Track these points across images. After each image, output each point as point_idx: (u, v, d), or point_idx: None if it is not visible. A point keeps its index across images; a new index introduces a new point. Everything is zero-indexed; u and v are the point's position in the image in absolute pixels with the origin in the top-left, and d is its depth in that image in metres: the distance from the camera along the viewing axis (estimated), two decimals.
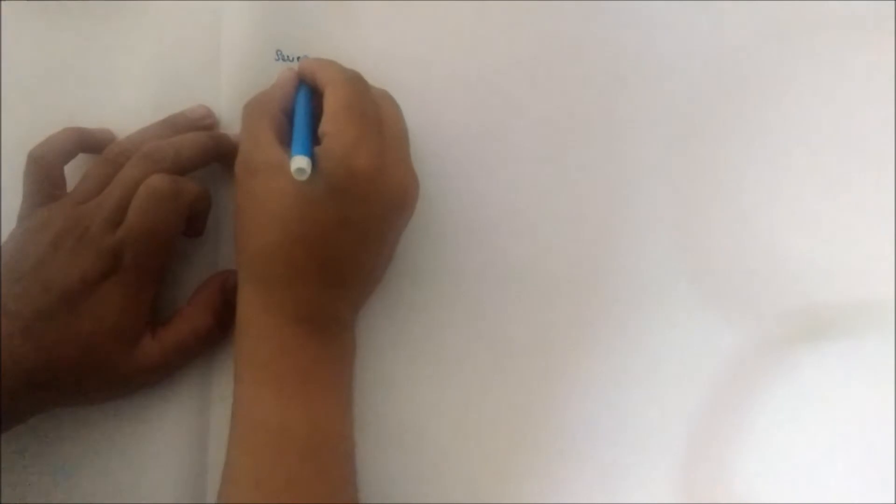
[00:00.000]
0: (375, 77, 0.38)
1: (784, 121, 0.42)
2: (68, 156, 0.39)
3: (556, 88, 0.42)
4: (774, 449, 0.39)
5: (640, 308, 0.40)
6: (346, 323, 0.38)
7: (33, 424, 0.37)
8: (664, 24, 0.42)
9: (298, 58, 0.41)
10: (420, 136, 0.39)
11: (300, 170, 0.32)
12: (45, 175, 0.38)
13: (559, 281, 0.40)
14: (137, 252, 0.35)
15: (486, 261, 0.41)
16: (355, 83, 0.36)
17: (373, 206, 0.35)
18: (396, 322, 0.40)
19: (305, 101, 0.37)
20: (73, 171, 0.39)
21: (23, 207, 0.38)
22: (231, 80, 0.41)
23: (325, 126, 0.35)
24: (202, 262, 0.40)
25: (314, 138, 0.35)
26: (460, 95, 0.41)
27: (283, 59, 0.41)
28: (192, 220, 0.38)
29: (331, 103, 0.35)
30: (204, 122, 0.40)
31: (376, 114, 0.36)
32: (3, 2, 0.42)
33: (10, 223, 0.38)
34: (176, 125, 0.40)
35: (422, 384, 0.40)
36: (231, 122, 0.41)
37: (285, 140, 0.36)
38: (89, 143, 0.39)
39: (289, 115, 0.37)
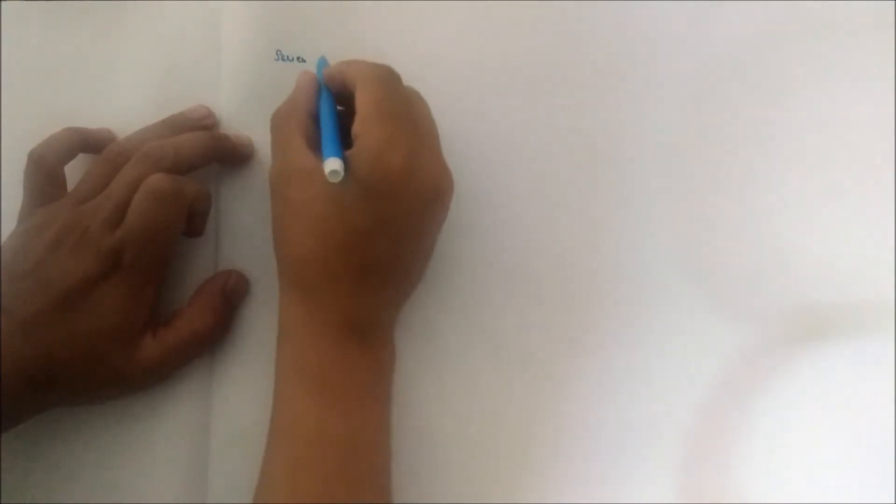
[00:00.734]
0: None
1: (784, 121, 0.42)
2: (68, 156, 0.39)
3: (556, 88, 0.42)
4: (775, 449, 0.39)
5: (641, 308, 0.40)
6: (386, 326, 0.38)
7: (33, 424, 0.37)
8: (664, 24, 0.42)
9: (298, 58, 0.41)
10: None
11: (334, 172, 0.32)
12: (45, 175, 0.38)
13: (559, 280, 0.40)
14: (137, 252, 0.35)
15: (488, 261, 0.41)
16: (386, 80, 0.35)
17: (407, 205, 0.34)
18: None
19: (329, 103, 0.37)
20: (73, 171, 0.39)
21: (23, 207, 0.38)
22: (231, 80, 0.41)
23: (357, 127, 0.34)
24: (202, 262, 0.40)
25: (345, 139, 0.35)
26: (459, 96, 0.41)
27: (283, 60, 0.41)
28: (193, 220, 0.38)
29: (362, 103, 0.35)
30: (204, 122, 0.40)
31: (408, 111, 0.35)
32: (3, 2, 0.42)
33: (10, 223, 0.38)
34: (176, 125, 0.40)
35: (423, 383, 0.40)
36: (231, 122, 0.41)
37: (315, 145, 0.35)
38: (89, 143, 0.39)
39: (316, 120, 0.37)
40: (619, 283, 0.40)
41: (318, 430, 0.35)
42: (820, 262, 0.40)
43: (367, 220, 0.34)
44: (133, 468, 0.39)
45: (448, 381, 0.40)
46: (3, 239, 0.37)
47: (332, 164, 0.32)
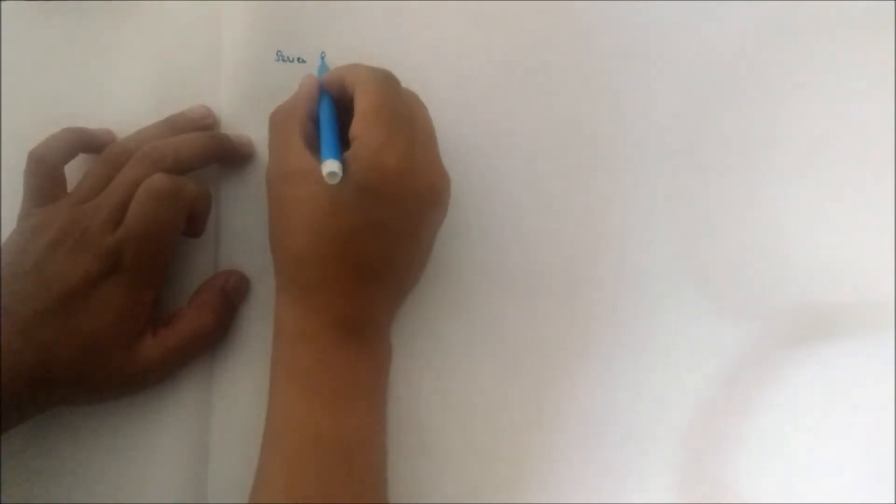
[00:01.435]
0: None
1: (784, 121, 0.42)
2: (68, 156, 0.39)
3: (555, 89, 0.42)
4: (775, 449, 0.39)
5: (641, 308, 0.40)
6: (382, 326, 0.38)
7: (33, 424, 0.37)
8: (665, 24, 0.42)
9: (299, 58, 0.41)
10: None
11: (332, 174, 0.32)
12: (45, 175, 0.38)
13: (557, 280, 0.40)
14: (137, 252, 0.35)
15: (486, 262, 0.41)
16: (384, 84, 0.36)
17: (404, 207, 0.35)
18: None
19: (329, 106, 0.37)
20: (73, 171, 0.39)
21: (23, 207, 0.38)
22: (231, 80, 0.41)
23: (355, 129, 0.34)
24: (202, 262, 0.40)
25: (343, 141, 0.35)
26: (458, 96, 0.41)
27: (283, 60, 0.41)
28: (193, 220, 0.38)
29: (360, 105, 0.35)
30: (204, 122, 0.40)
31: (406, 114, 0.36)
32: (3, 2, 0.42)
33: (10, 223, 0.38)
34: (176, 125, 0.40)
35: (420, 382, 0.40)
36: (231, 122, 0.41)
37: (314, 146, 0.36)
38: (89, 143, 0.39)
39: (315, 122, 0.37)
40: (619, 283, 0.40)
41: (313, 429, 0.35)
42: (820, 262, 0.40)
43: (362, 220, 0.34)
44: (133, 468, 0.39)
45: (445, 380, 0.40)
46: (3, 239, 0.37)
47: (331, 166, 0.32)
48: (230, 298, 0.39)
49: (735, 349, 0.40)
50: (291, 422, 0.35)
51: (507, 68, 0.42)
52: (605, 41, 0.42)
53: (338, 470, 0.34)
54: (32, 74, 0.42)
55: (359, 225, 0.34)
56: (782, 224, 0.41)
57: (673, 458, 0.39)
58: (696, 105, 0.42)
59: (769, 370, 0.40)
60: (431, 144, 0.37)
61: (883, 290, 0.40)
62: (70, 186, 0.38)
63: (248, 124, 0.41)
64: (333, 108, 0.37)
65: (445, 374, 0.40)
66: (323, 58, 0.41)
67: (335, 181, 0.32)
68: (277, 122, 0.37)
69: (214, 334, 0.39)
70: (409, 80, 0.37)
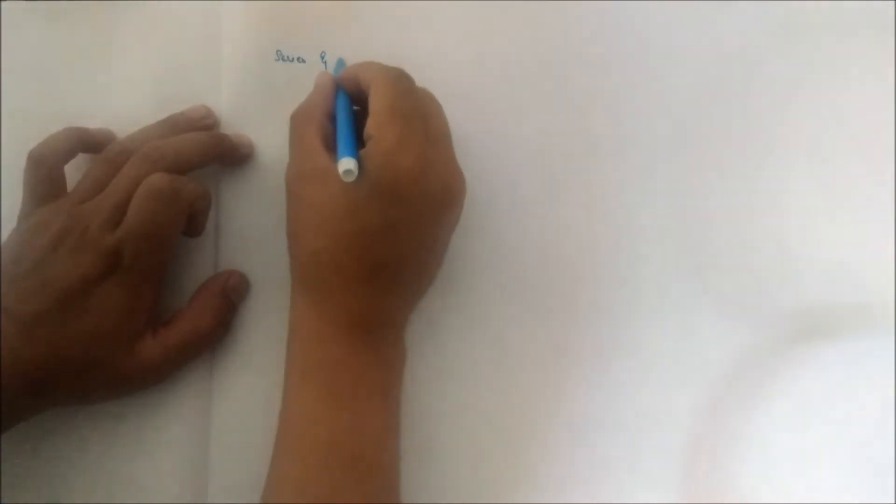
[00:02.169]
0: None
1: (784, 121, 0.42)
2: (68, 156, 0.39)
3: (556, 89, 0.42)
4: (775, 449, 0.39)
5: (643, 309, 0.40)
6: (397, 327, 0.38)
7: (33, 424, 0.37)
8: (664, 24, 0.42)
9: (299, 58, 0.41)
10: None
11: (348, 171, 0.32)
12: (45, 175, 0.38)
13: (563, 281, 0.40)
14: (137, 251, 0.35)
15: (492, 263, 0.41)
16: (399, 82, 0.36)
17: (419, 206, 0.34)
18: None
19: (345, 104, 0.37)
20: (73, 171, 0.39)
21: (23, 207, 0.38)
22: (231, 80, 0.41)
23: (370, 128, 0.34)
24: (202, 262, 0.40)
25: (360, 139, 0.35)
26: (459, 96, 0.41)
27: (283, 60, 0.41)
28: (192, 220, 0.38)
29: (375, 104, 0.35)
30: (204, 122, 0.40)
31: (421, 113, 0.35)
32: (3, 2, 0.42)
33: (10, 223, 0.38)
34: (176, 125, 0.40)
35: (427, 384, 0.40)
36: (231, 121, 0.41)
37: (331, 145, 0.36)
38: (89, 143, 0.39)
39: (333, 121, 0.37)
40: (620, 283, 0.40)
41: (327, 430, 0.35)
42: (820, 262, 0.40)
43: (378, 220, 0.34)
44: (133, 468, 0.39)
45: (447, 379, 0.40)
46: (3, 239, 0.37)
47: (347, 164, 0.32)
48: (230, 298, 0.39)
49: (735, 349, 0.40)
50: (305, 422, 0.35)
51: (507, 68, 0.42)
52: (607, 41, 0.42)
53: (351, 471, 0.34)
54: (32, 74, 0.42)
55: (375, 225, 0.34)
56: (783, 224, 0.41)
57: (673, 459, 0.39)
58: (696, 105, 0.42)
59: (769, 370, 0.40)
60: (446, 144, 0.37)
61: (883, 290, 0.40)
62: (70, 186, 0.38)
63: (248, 124, 0.41)
64: (349, 106, 0.37)
65: (446, 374, 0.40)
66: (339, 64, 0.41)
67: (351, 179, 0.32)
68: (296, 123, 0.37)
69: (214, 334, 0.39)
70: None
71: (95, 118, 0.41)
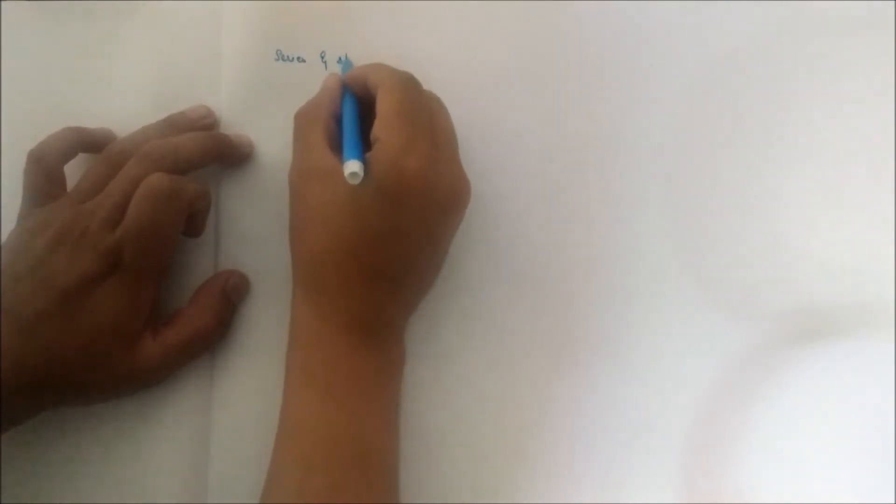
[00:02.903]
0: None
1: (784, 121, 0.42)
2: (68, 155, 0.39)
3: (556, 89, 0.42)
4: (774, 449, 0.39)
5: (643, 309, 0.40)
6: (397, 329, 0.38)
7: (33, 424, 0.37)
8: (665, 23, 0.42)
9: (299, 58, 0.41)
10: None
11: (354, 174, 0.32)
12: (44, 175, 0.38)
13: (562, 282, 0.40)
14: (137, 251, 0.35)
15: (491, 264, 0.40)
16: (407, 86, 0.36)
17: (424, 210, 0.35)
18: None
19: (352, 106, 0.37)
20: (73, 171, 0.39)
21: (22, 207, 0.38)
22: (231, 80, 0.41)
23: (377, 131, 0.34)
24: (202, 262, 0.40)
25: (365, 142, 0.35)
26: (460, 97, 0.41)
27: (283, 60, 0.41)
28: (192, 220, 0.38)
29: (382, 107, 0.35)
30: (204, 122, 0.40)
31: (428, 117, 0.36)
32: (3, 2, 0.42)
33: (10, 223, 0.38)
34: (176, 125, 0.40)
35: (426, 384, 0.40)
36: (231, 121, 0.41)
37: (336, 146, 0.36)
38: (89, 142, 0.39)
39: (338, 121, 0.37)
40: (621, 284, 0.40)
41: (327, 430, 0.35)
42: (820, 262, 0.40)
43: (382, 223, 0.34)
44: (133, 468, 0.39)
45: (447, 380, 0.40)
46: (3, 239, 0.37)
47: (352, 166, 0.32)
48: (230, 298, 0.39)
49: (735, 349, 0.40)
50: (305, 422, 0.35)
51: (507, 68, 0.42)
52: (607, 42, 0.42)
53: (351, 471, 0.34)
54: (32, 74, 0.42)
55: (378, 228, 0.34)
56: (782, 224, 0.41)
57: (673, 459, 0.39)
58: (695, 105, 0.42)
59: (769, 370, 0.40)
60: (452, 148, 0.37)
61: (883, 290, 0.40)
62: (70, 186, 0.38)
63: (248, 124, 0.41)
64: (356, 108, 0.37)
65: (446, 374, 0.40)
66: (346, 58, 0.41)
67: (356, 181, 0.32)
68: (301, 122, 0.37)
69: (214, 334, 0.39)
70: None
71: (95, 118, 0.41)
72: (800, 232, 0.41)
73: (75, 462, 0.39)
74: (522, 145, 0.41)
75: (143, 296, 0.36)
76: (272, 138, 0.41)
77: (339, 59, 0.41)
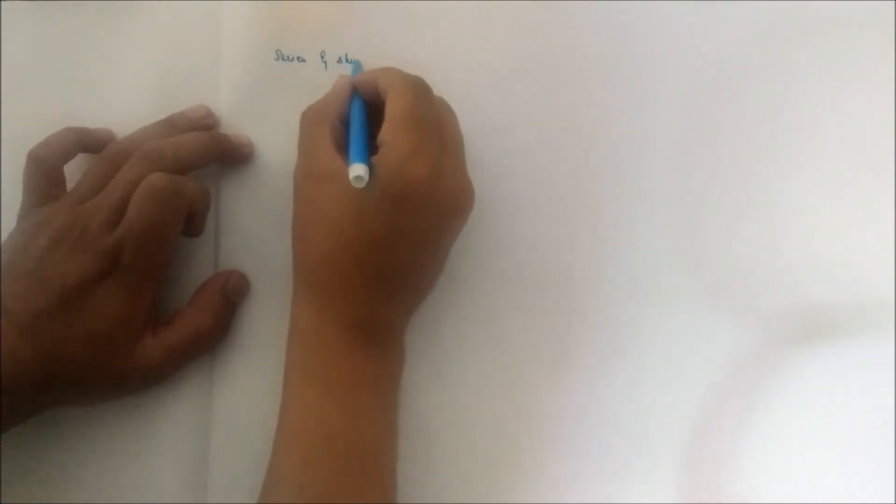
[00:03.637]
0: None
1: (784, 121, 0.42)
2: (68, 155, 0.39)
3: (555, 90, 0.42)
4: (774, 449, 0.39)
5: (643, 309, 0.40)
6: (397, 330, 0.38)
7: (33, 424, 0.37)
8: (665, 24, 0.42)
9: (299, 58, 0.41)
10: None
11: (358, 177, 0.32)
12: (44, 175, 0.38)
13: (561, 282, 0.40)
14: (136, 251, 0.35)
15: (491, 265, 0.41)
16: (418, 91, 0.36)
17: (428, 215, 0.35)
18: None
19: (360, 109, 0.37)
20: (73, 171, 0.39)
21: (22, 207, 0.38)
22: (231, 80, 0.41)
23: (385, 134, 0.34)
24: (202, 262, 0.40)
25: (371, 145, 0.35)
26: (457, 97, 0.41)
27: (283, 60, 0.41)
28: (192, 220, 0.38)
29: (391, 111, 0.35)
30: (204, 122, 0.40)
31: (437, 123, 0.35)
32: (3, 2, 0.42)
33: (10, 223, 0.38)
34: (176, 125, 0.40)
35: (424, 384, 0.40)
36: (231, 121, 0.41)
37: (342, 148, 0.36)
38: (89, 142, 0.39)
39: (345, 123, 0.37)
40: (621, 284, 0.40)
41: (326, 430, 0.35)
42: (820, 262, 0.40)
43: (385, 226, 0.34)
44: (133, 468, 0.39)
45: (446, 380, 0.40)
46: (3, 239, 0.37)
47: (357, 170, 0.32)
48: (230, 298, 0.39)
49: (735, 349, 0.40)
50: (304, 422, 0.35)
51: (507, 69, 0.42)
52: (607, 43, 0.42)
53: (350, 471, 0.34)
54: (32, 74, 0.42)
55: (381, 231, 0.34)
56: (782, 224, 0.41)
57: (674, 459, 0.39)
58: (695, 106, 0.42)
59: (769, 370, 0.40)
60: (459, 154, 0.37)
61: (883, 290, 0.40)
62: (70, 186, 0.38)
63: (248, 124, 0.41)
64: (364, 111, 0.37)
65: (445, 375, 0.40)
66: (348, 59, 0.41)
67: (361, 185, 0.32)
68: (307, 122, 0.37)
69: (214, 334, 0.39)
70: None
71: (95, 118, 0.41)
72: (799, 232, 0.41)
73: (75, 462, 0.39)
74: (519, 146, 0.41)
75: (142, 296, 0.36)
76: (272, 138, 0.41)
77: (339, 58, 0.41)
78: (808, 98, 0.42)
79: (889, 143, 0.41)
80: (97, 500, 0.38)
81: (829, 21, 0.42)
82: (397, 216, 0.34)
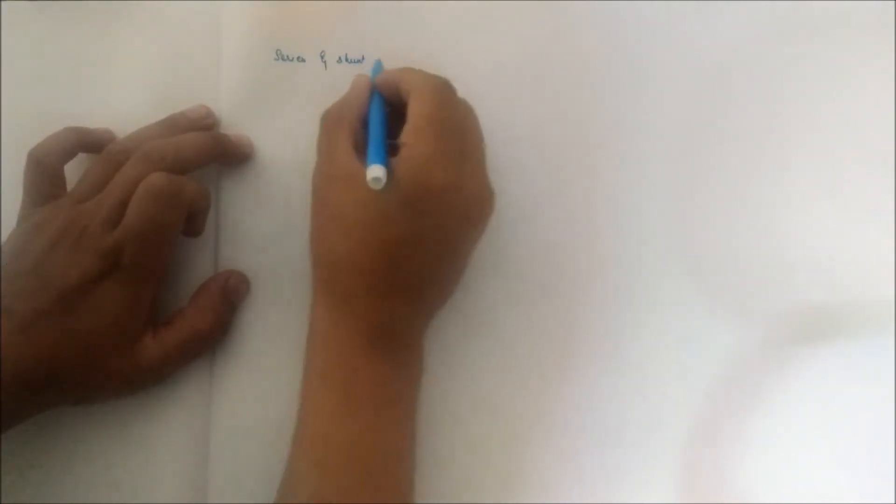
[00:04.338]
0: None
1: (784, 121, 0.42)
2: (68, 155, 0.39)
3: (556, 89, 0.42)
4: (774, 449, 0.39)
5: (641, 308, 0.40)
6: (415, 337, 0.37)
7: (33, 424, 0.37)
8: (665, 24, 0.42)
9: (299, 58, 0.41)
10: None
11: (376, 179, 0.31)
12: (44, 175, 0.38)
13: (565, 284, 0.40)
14: (136, 251, 0.35)
15: (492, 263, 0.41)
16: (442, 92, 0.35)
17: (447, 221, 0.34)
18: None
19: (379, 109, 0.36)
20: (73, 171, 0.39)
21: (22, 207, 0.38)
22: (231, 80, 0.41)
23: (406, 135, 0.34)
24: (202, 262, 0.40)
25: (391, 146, 0.34)
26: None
27: (283, 60, 0.41)
28: (192, 220, 0.38)
29: (414, 113, 0.34)
30: (204, 122, 0.40)
31: (460, 126, 0.35)
32: (3, 2, 0.42)
33: (10, 223, 0.38)
34: (176, 125, 0.40)
35: (426, 385, 0.40)
36: (231, 121, 0.41)
37: (362, 150, 0.35)
38: (89, 142, 0.39)
39: (365, 124, 0.36)
40: (622, 284, 0.40)
41: (344, 436, 0.34)
42: (820, 262, 0.40)
43: (404, 231, 0.34)
44: (133, 468, 0.39)
45: (447, 382, 0.40)
46: (3, 239, 0.37)
47: (375, 171, 0.31)
48: (230, 298, 0.39)
49: (735, 349, 0.40)
50: (321, 427, 0.35)
51: (507, 69, 0.42)
52: (606, 45, 0.42)
53: (366, 477, 0.34)
54: (32, 74, 0.42)
55: (400, 236, 0.34)
56: (782, 224, 0.41)
57: (674, 459, 0.39)
58: (695, 105, 0.42)
59: (769, 370, 0.40)
60: (480, 159, 0.36)
61: (883, 290, 0.40)
62: (70, 186, 0.38)
63: (248, 124, 0.41)
64: (384, 111, 0.36)
65: (446, 375, 0.40)
66: (376, 67, 0.40)
67: (379, 187, 0.32)
68: (328, 124, 0.36)
69: (214, 334, 0.39)
70: None
71: (95, 118, 0.41)
72: (800, 232, 0.41)
73: (75, 462, 0.39)
74: (519, 146, 0.41)
75: (142, 296, 0.36)
76: (272, 138, 0.41)
77: (339, 58, 0.41)
78: (809, 98, 0.42)
79: (889, 143, 0.41)
80: (97, 500, 0.38)
81: (829, 21, 0.42)
82: (417, 221, 0.33)
